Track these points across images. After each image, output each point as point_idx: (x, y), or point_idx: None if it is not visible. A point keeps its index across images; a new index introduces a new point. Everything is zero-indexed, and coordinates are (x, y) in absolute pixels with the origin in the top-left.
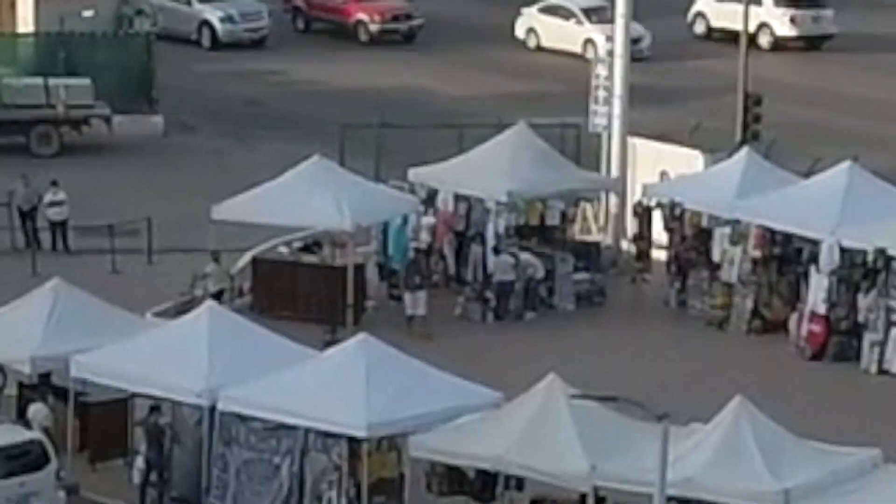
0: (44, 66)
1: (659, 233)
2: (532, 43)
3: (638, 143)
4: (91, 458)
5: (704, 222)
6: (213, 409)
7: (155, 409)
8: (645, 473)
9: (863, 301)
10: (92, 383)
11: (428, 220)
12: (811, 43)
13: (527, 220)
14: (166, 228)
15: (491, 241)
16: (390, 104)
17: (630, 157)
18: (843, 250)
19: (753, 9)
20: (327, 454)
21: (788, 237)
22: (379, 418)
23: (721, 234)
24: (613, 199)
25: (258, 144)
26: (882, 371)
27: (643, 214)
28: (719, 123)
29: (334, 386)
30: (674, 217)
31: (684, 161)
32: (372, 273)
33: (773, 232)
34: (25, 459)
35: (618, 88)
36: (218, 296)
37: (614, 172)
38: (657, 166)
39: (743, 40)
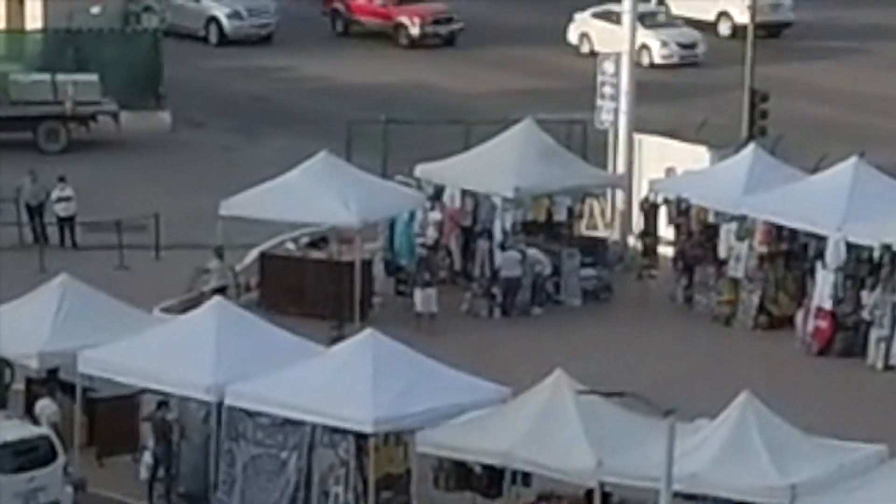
0: (52, 62)
1: (665, 229)
2: (585, 48)
3: (644, 140)
4: (98, 453)
5: (711, 218)
6: (220, 404)
7: (162, 404)
8: (651, 469)
9: (866, 297)
10: (99, 379)
11: (435, 216)
12: (770, 31)
13: (534, 216)
14: (174, 224)
15: (498, 237)
16: (398, 100)
17: (636, 153)
18: (849, 246)
19: None
20: (334, 449)
21: (795, 233)
22: (386, 414)
23: (727, 230)
24: (620, 196)
25: (265, 140)
26: (888, 367)
27: (650, 210)
28: (725, 120)
29: (341, 381)
30: (680, 213)
31: (691, 157)
32: (379, 269)
33: (779, 228)
34: (33, 455)
35: (624, 85)
36: (220, 292)
37: (621, 169)
38: (664, 163)
39: (749, 37)
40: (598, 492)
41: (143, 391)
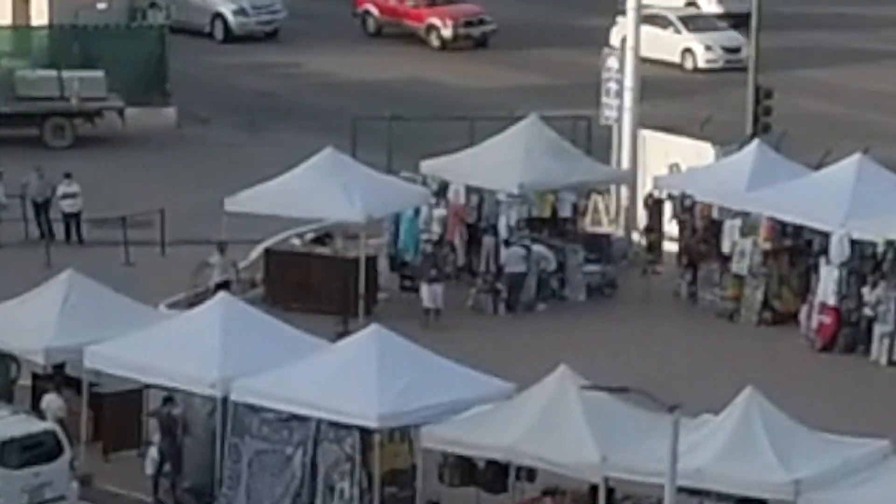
0: (58, 58)
1: (669, 225)
2: None
3: (648, 136)
4: (104, 448)
5: (715, 214)
6: (225, 399)
7: (168, 399)
8: (655, 464)
9: (868, 294)
10: (105, 374)
11: (439, 211)
12: (737, 20)
13: (538, 212)
14: (179, 220)
15: (503, 233)
16: (404, 97)
17: (641, 149)
18: (853, 242)
19: None
20: (339, 445)
21: (799, 229)
22: (391, 409)
23: (731, 226)
24: (624, 192)
25: (271, 137)
26: (892, 362)
27: (654, 206)
28: (729, 116)
29: (346, 377)
30: (684, 209)
31: (695, 153)
32: (383, 265)
33: (783, 224)
34: (40, 450)
35: (629, 81)
36: (224, 287)
37: (625, 165)
38: (668, 158)
39: (753, 32)
40: (602, 487)
41: (149, 386)
